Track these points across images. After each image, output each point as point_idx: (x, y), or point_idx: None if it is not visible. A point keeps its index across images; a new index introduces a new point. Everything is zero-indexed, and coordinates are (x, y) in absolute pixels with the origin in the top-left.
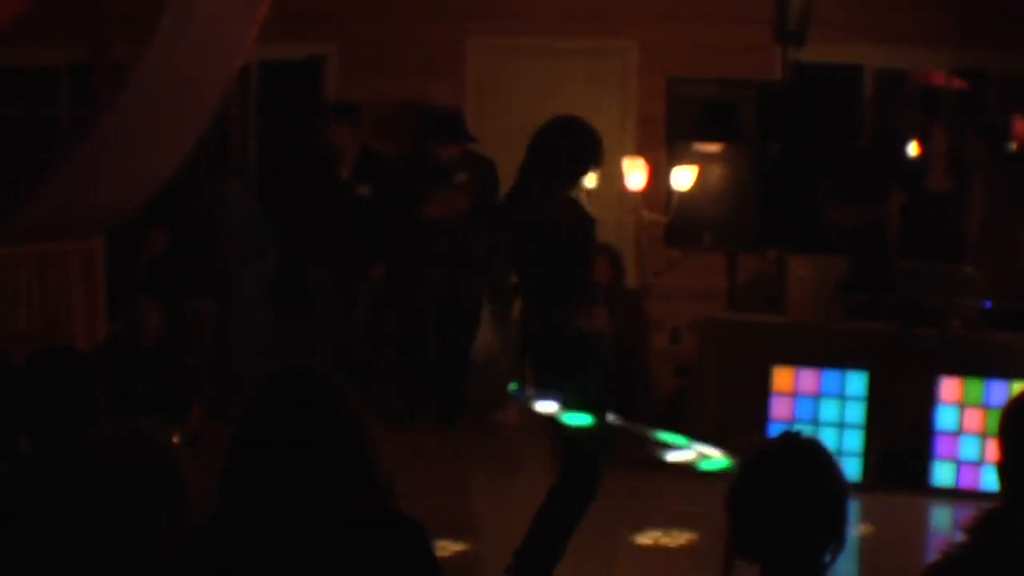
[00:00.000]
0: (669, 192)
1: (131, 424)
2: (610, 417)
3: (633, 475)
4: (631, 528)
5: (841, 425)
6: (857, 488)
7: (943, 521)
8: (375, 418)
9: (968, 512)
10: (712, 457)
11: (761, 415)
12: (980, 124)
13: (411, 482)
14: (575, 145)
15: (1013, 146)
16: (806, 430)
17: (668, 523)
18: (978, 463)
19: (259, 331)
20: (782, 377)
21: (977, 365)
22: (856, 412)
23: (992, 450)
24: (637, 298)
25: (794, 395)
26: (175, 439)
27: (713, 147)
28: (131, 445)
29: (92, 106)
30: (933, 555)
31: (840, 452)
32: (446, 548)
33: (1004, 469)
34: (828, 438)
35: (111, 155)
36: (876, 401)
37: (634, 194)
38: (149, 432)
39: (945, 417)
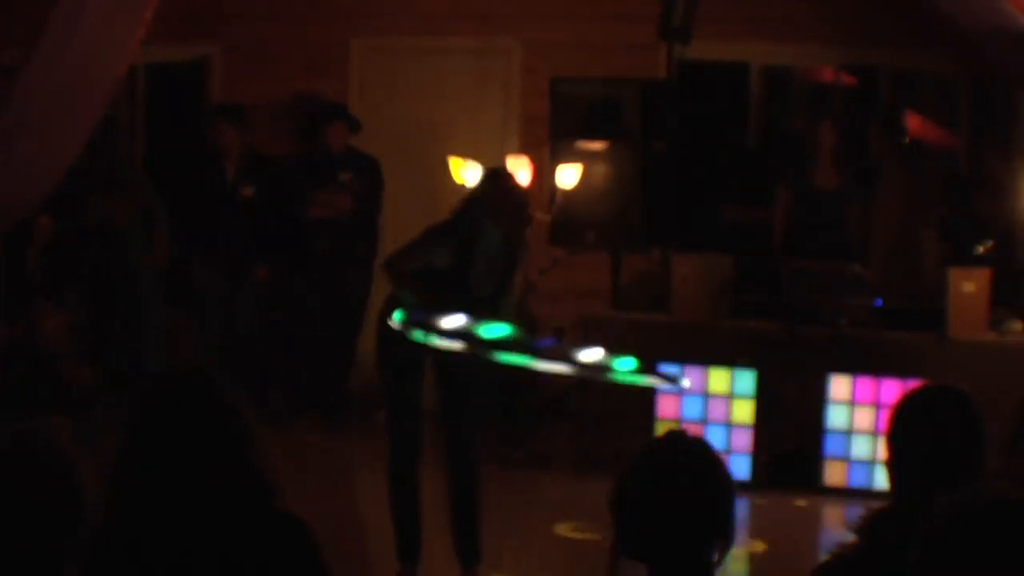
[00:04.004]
0: (553, 191)
1: (27, 424)
2: None
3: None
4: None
5: (729, 424)
6: (746, 487)
7: (833, 521)
8: (259, 418)
9: (858, 512)
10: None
11: (648, 414)
12: (885, 120)
13: (296, 481)
14: None
15: (905, 141)
16: (693, 429)
17: (551, 518)
18: (869, 462)
19: (155, 329)
20: None
21: (867, 363)
22: (744, 411)
23: (882, 449)
24: (520, 302)
25: (680, 393)
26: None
27: (597, 146)
28: (27, 445)
29: None
30: (823, 555)
31: (729, 451)
32: (331, 547)
33: (893, 468)
34: (716, 437)
35: (5, 156)
36: (765, 400)
37: None
38: (46, 432)
39: (835, 416)
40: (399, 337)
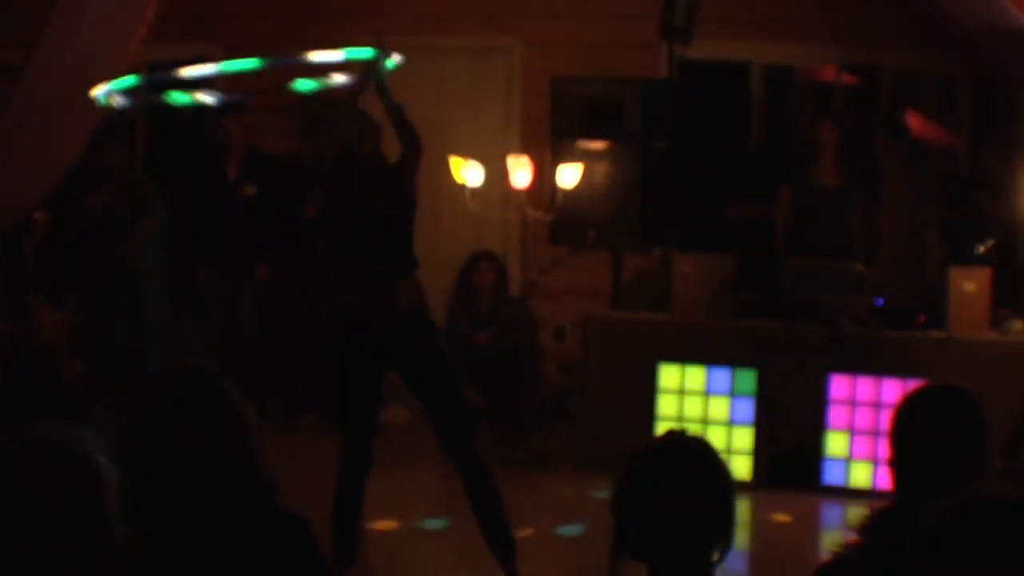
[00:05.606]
0: (554, 190)
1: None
2: None
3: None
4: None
5: (730, 423)
6: (747, 487)
7: (834, 520)
8: (259, 417)
9: (858, 511)
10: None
11: (647, 413)
12: (886, 120)
13: (296, 481)
14: None
15: (906, 141)
16: (694, 428)
17: (551, 518)
18: (870, 461)
19: (159, 327)
20: (669, 374)
21: (868, 363)
22: (745, 410)
23: (883, 448)
24: (522, 302)
25: (682, 392)
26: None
27: (598, 145)
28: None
29: None
30: (824, 554)
31: (729, 450)
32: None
33: (896, 467)
34: (717, 436)
35: (6, 156)
36: (766, 399)
37: (519, 192)
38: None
39: (836, 415)
40: (365, 342)
